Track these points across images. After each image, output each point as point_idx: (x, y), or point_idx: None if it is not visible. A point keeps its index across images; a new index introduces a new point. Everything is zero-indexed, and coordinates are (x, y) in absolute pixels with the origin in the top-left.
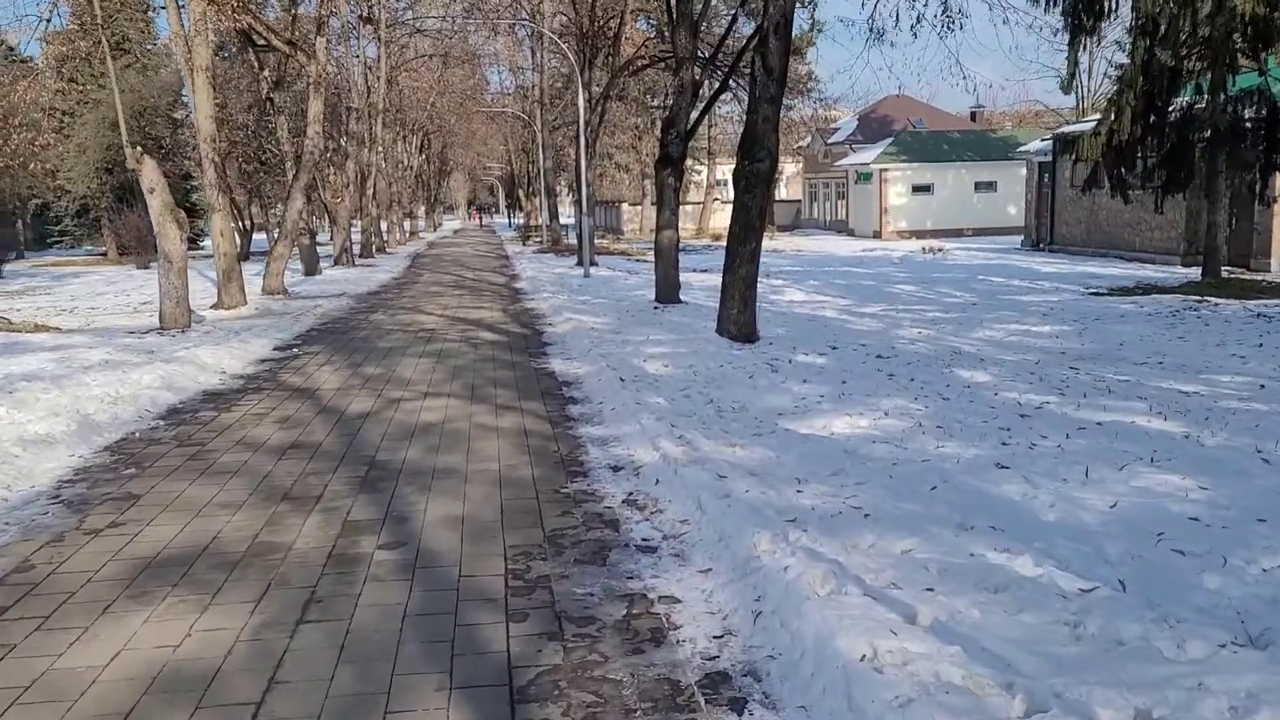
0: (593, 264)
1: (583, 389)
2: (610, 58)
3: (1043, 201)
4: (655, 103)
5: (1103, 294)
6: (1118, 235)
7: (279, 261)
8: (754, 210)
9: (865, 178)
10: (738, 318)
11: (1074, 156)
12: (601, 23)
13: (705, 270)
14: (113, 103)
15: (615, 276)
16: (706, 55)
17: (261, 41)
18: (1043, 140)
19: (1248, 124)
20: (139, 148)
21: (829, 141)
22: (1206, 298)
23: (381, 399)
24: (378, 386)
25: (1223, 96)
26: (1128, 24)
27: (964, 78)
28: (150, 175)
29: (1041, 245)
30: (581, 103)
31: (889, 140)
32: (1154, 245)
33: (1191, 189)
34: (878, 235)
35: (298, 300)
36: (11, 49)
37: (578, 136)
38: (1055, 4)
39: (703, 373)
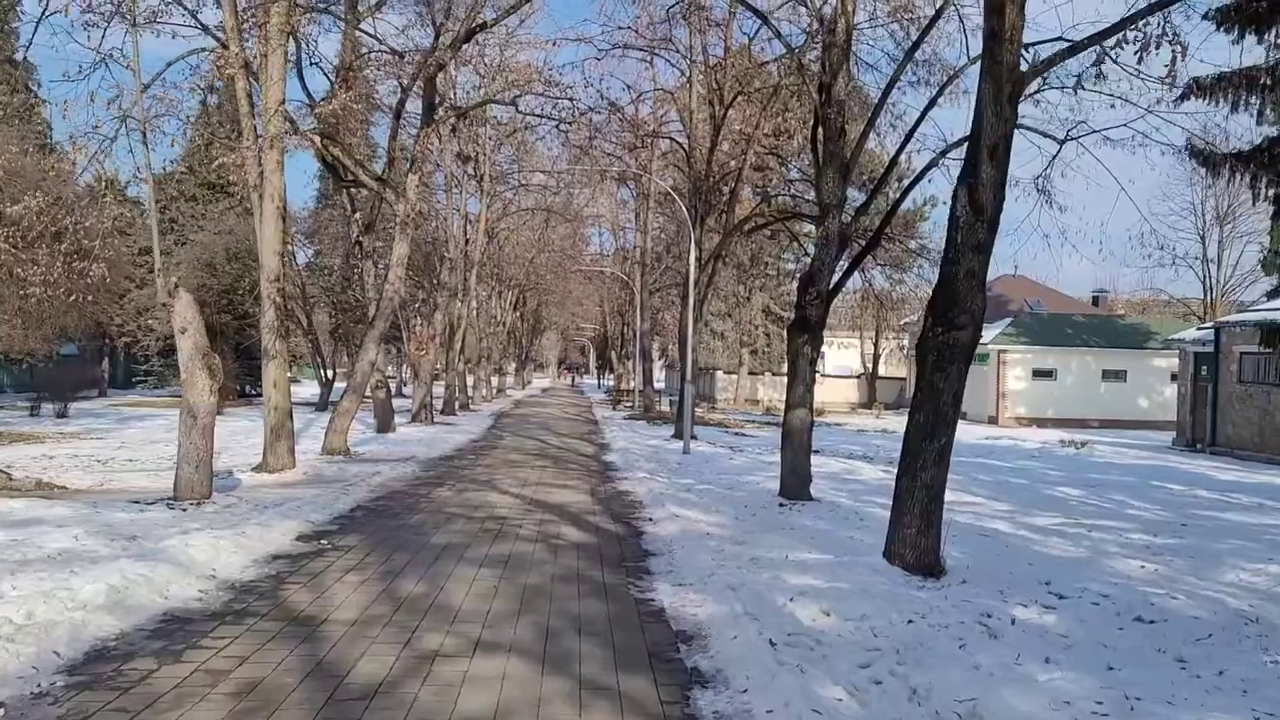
0: (692, 437)
1: (711, 653)
2: (725, 215)
3: (1199, 397)
4: (760, 268)
5: None
6: None
7: (344, 418)
8: (947, 393)
9: (982, 359)
10: (917, 540)
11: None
12: (717, 178)
13: (818, 451)
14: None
15: (717, 453)
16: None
17: (349, 177)
18: (1199, 328)
19: None
20: (175, 280)
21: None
22: None
23: (409, 652)
24: (410, 621)
25: None
26: None
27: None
28: (184, 312)
29: (1199, 446)
30: (692, 260)
31: (1007, 320)
32: None
33: None
34: (994, 421)
35: (357, 464)
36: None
37: (684, 297)
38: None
39: (885, 631)
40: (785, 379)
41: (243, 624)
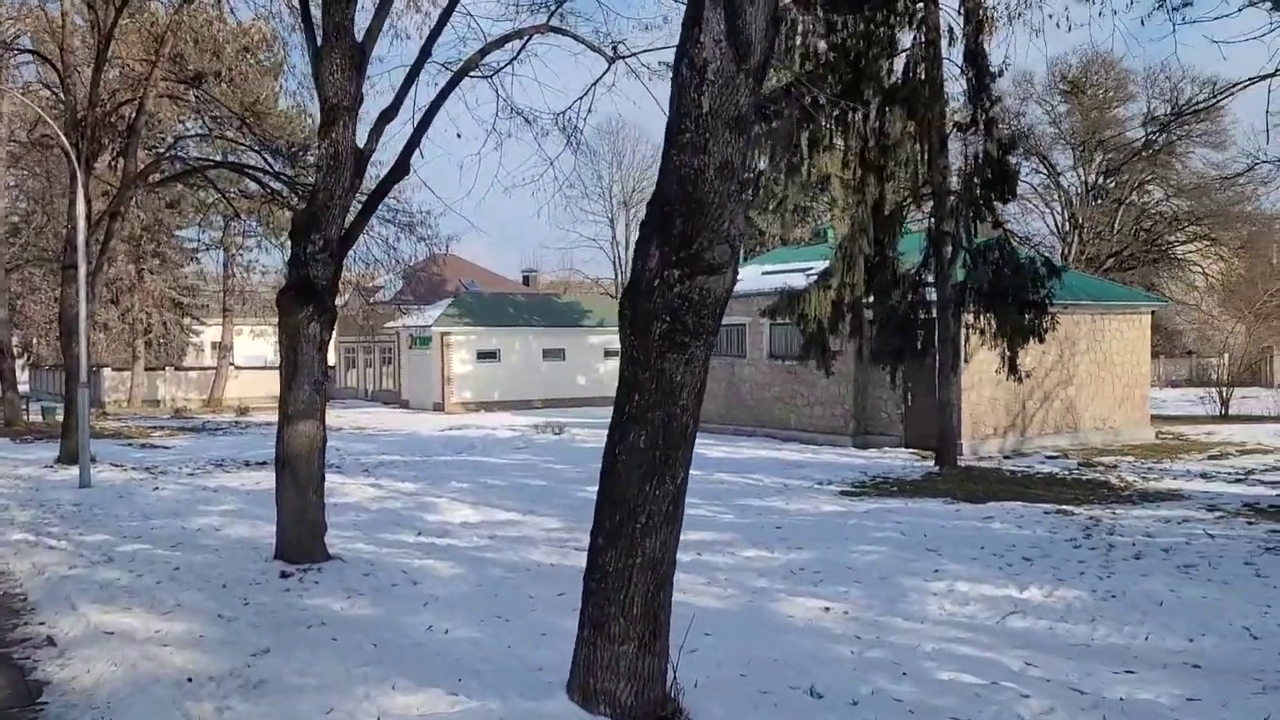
0: (91, 459)
1: None
2: (122, 158)
3: None
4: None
5: (852, 493)
6: (766, 411)
7: None
8: (688, 390)
9: (424, 342)
10: (636, 663)
11: (798, 315)
12: (109, 107)
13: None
14: None
15: (133, 481)
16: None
17: None
18: None
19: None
20: None
21: (371, 301)
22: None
23: None
24: None
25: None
26: None
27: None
28: None
29: None
30: (80, 214)
31: (448, 301)
32: (814, 424)
33: (856, 358)
34: (439, 408)
35: None
36: None
37: (69, 266)
38: None
39: None
40: (192, 375)
41: None
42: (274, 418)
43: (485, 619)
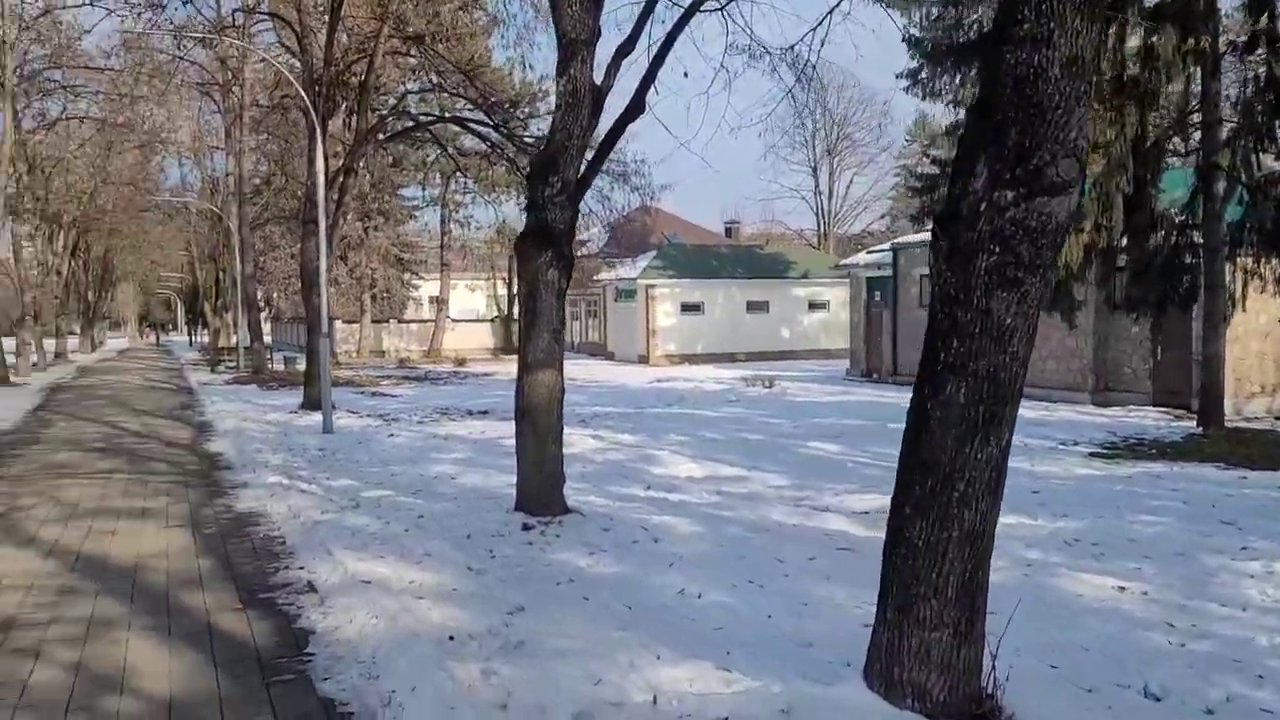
0: (332, 406)
1: None
2: (355, 116)
3: (875, 325)
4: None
5: (1105, 455)
6: None
7: None
8: (1019, 336)
9: (629, 295)
10: (950, 652)
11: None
12: (341, 66)
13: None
14: None
15: (369, 428)
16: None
17: None
18: (871, 252)
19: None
20: None
21: (580, 254)
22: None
23: None
24: None
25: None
26: None
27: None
28: None
29: (874, 375)
30: (320, 170)
31: (652, 253)
32: (1047, 379)
33: (1098, 308)
34: (644, 360)
35: None
36: None
37: (308, 222)
38: None
39: None
40: (413, 327)
41: None
42: (488, 369)
43: (737, 584)
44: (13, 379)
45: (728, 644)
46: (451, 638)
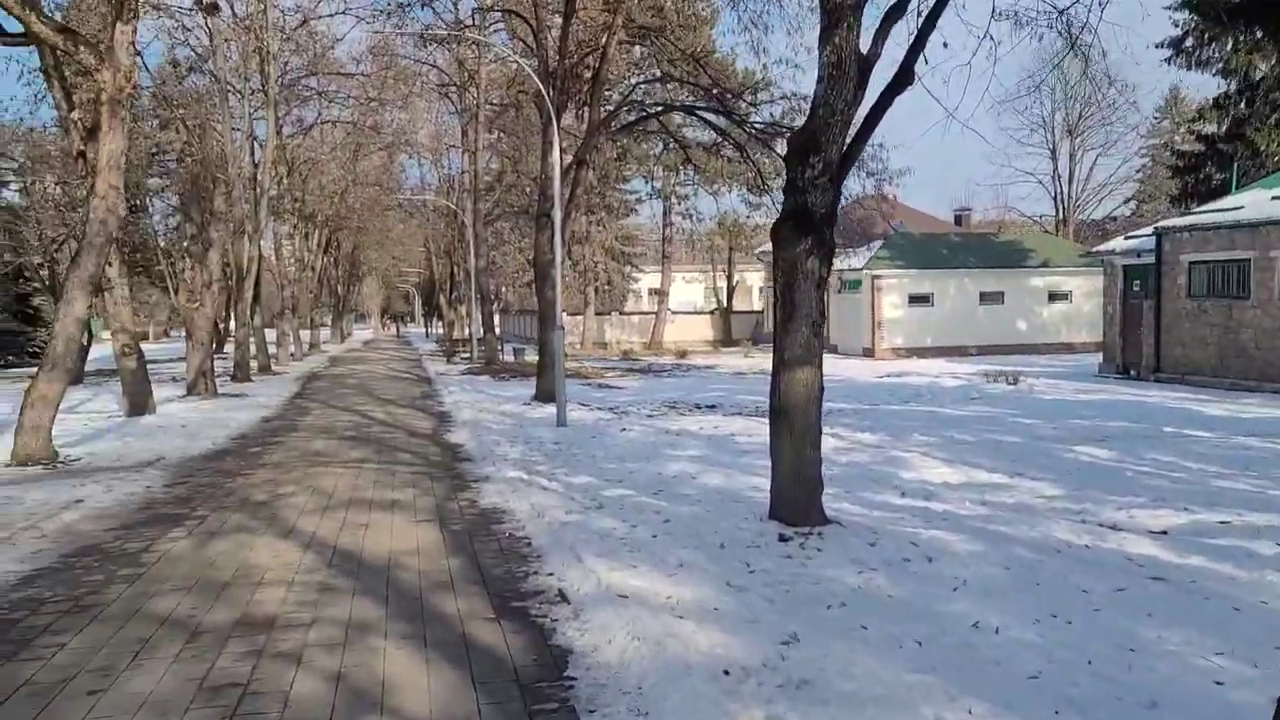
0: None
1: None
2: (587, 107)
3: (1133, 317)
4: (603, 196)
5: None
6: (1277, 364)
7: (41, 406)
8: None
9: (854, 286)
10: None
11: None
12: (575, 58)
13: (713, 408)
14: None
15: (601, 422)
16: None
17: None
18: (1129, 237)
19: None
20: None
21: None
22: None
23: None
24: None
25: None
26: None
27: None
28: None
29: (1133, 372)
30: (556, 162)
31: (878, 242)
32: None
33: None
34: (869, 353)
35: (54, 481)
36: None
37: (541, 215)
38: None
39: None
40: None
41: None
42: (709, 361)
43: (1039, 618)
44: (274, 368)
45: (1051, 699)
46: (727, 672)
